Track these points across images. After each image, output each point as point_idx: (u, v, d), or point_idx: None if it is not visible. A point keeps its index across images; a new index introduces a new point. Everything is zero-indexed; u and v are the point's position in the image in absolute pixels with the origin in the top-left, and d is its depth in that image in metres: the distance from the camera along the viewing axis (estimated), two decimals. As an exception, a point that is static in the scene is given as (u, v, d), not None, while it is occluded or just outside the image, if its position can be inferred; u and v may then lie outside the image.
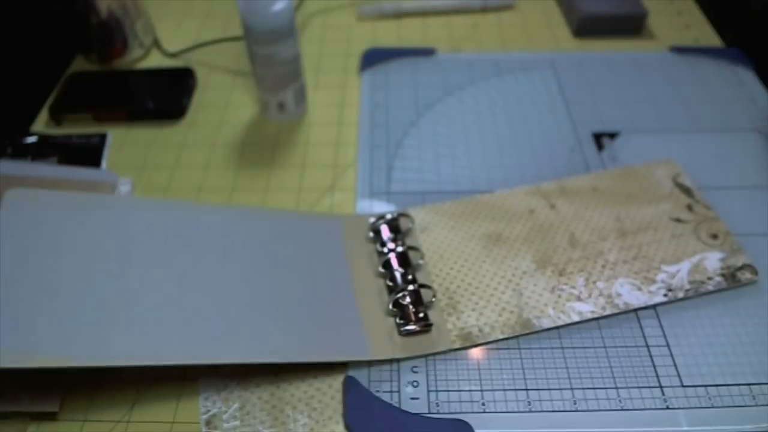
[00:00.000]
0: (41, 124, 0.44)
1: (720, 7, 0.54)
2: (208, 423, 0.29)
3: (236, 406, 0.29)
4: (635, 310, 0.33)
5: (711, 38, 0.51)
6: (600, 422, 0.29)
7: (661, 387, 0.30)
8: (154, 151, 0.42)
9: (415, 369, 0.31)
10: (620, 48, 0.50)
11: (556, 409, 0.29)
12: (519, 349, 0.31)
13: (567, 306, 0.32)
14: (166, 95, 0.45)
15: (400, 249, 0.34)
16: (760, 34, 0.51)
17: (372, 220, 0.36)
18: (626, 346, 0.31)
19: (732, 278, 0.33)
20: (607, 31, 0.51)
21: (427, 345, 0.31)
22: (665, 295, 0.33)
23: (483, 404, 0.29)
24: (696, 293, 0.33)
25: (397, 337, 0.31)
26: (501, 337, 0.31)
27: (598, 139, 0.42)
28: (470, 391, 0.30)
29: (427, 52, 0.49)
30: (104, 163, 0.41)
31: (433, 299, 0.33)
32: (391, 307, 0.32)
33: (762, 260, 0.34)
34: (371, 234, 0.36)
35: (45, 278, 0.29)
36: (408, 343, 0.31)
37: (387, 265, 0.34)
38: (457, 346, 0.31)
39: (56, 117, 0.44)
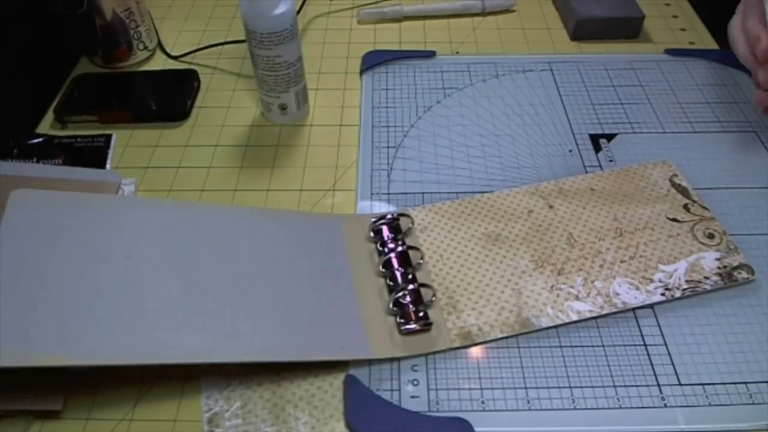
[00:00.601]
0: (46, 125, 0.45)
1: (715, 10, 0.55)
2: (210, 421, 0.29)
3: (238, 404, 0.30)
4: (633, 309, 0.33)
5: (707, 40, 0.52)
6: (598, 420, 0.29)
7: (658, 385, 0.30)
8: (158, 152, 0.43)
9: (415, 368, 0.31)
10: (617, 51, 0.50)
11: (555, 407, 0.29)
12: (518, 348, 0.32)
13: (565, 305, 0.33)
14: (170, 97, 0.46)
15: (400, 249, 0.34)
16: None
17: (372, 220, 0.36)
18: (624, 345, 0.32)
19: (729, 278, 0.34)
20: (604, 34, 0.51)
21: (427, 344, 0.31)
22: (662, 295, 0.33)
23: (483, 402, 0.30)
24: (693, 292, 0.33)
25: (397, 336, 0.32)
26: (500, 335, 0.32)
27: (596, 140, 0.43)
28: (470, 389, 0.30)
29: (427, 55, 0.50)
30: (109, 164, 0.41)
31: (433, 298, 0.33)
32: (391, 306, 0.32)
33: (758, 260, 0.35)
34: (372, 234, 0.36)
35: (49, 277, 0.29)
36: (408, 341, 0.31)
37: (387, 264, 0.34)
38: (456, 344, 0.31)
39: (61, 118, 0.44)
